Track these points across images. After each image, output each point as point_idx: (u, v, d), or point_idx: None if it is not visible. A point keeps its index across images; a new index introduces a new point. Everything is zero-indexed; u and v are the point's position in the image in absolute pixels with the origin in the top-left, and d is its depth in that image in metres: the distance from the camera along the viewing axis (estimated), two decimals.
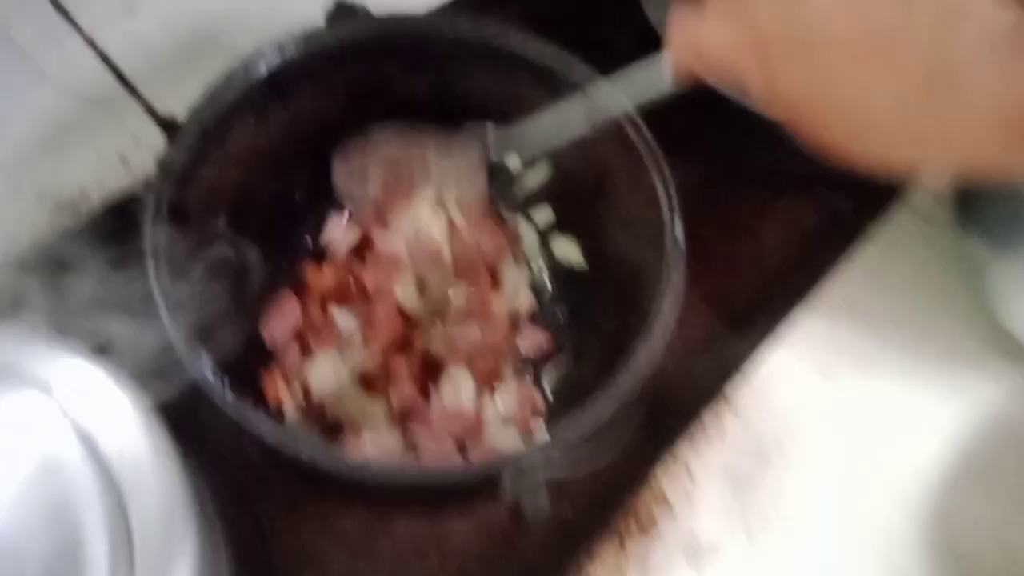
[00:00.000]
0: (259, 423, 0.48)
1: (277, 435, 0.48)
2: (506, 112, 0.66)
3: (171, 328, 0.50)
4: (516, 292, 0.69)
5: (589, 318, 0.66)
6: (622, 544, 0.60)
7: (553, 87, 0.61)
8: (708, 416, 0.66)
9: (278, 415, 0.63)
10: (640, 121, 0.59)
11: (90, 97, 0.68)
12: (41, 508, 0.40)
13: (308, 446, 0.48)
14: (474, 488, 0.52)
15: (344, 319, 0.67)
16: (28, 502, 0.40)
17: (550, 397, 0.66)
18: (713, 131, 0.79)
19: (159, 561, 0.41)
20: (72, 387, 0.44)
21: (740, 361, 0.69)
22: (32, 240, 0.62)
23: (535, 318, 0.69)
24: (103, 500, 0.41)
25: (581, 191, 0.67)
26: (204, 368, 0.49)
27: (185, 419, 0.53)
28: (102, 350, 0.47)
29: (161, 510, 0.42)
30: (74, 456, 0.42)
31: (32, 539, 0.39)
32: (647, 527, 0.61)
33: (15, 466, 0.41)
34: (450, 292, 0.68)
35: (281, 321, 0.65)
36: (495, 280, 0.70)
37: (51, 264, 0.62)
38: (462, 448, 0.63)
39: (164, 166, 0.55)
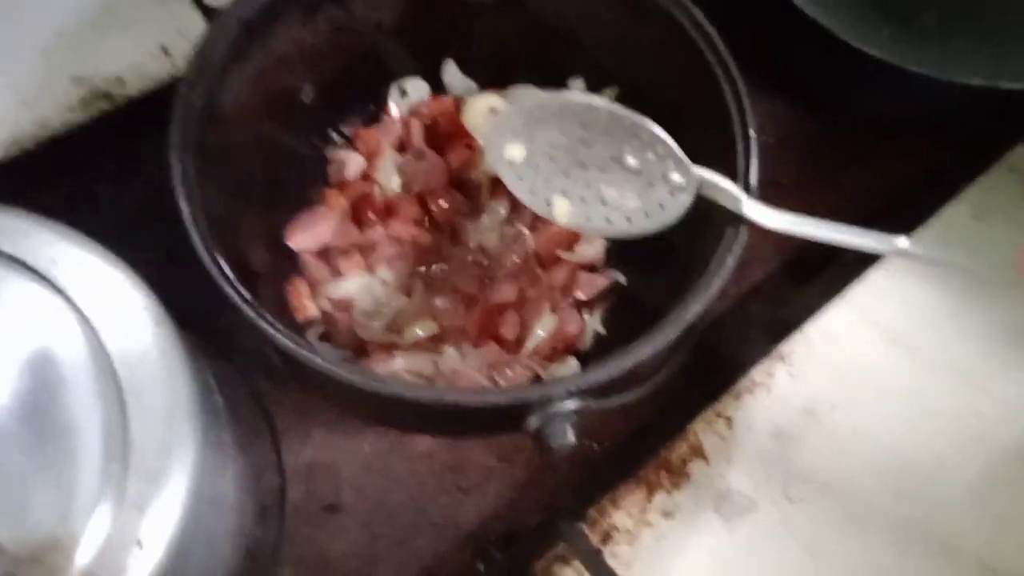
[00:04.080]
0: (270, 330, 0.45)
1: (292, 346, 0.45)
2: (577, 31, 0.62)
3: (191, 227, 0.47)
4: (592, 240, 0.66)
5: (649, 259, 0.62)
6: (650, 494, 0.57)
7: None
8: (758, 371, 0.62)
9: (301, 328, 0.61)
10: (721, 45, 0.54)
11: None
12: (32, 392, 0.38)
13: (319, 359, 0.45)
14: (499, 418, 0.49)
15: (375, 235, 0.64)
16: (19, 385, 0.38)
17: (602, 331, 0.63)
18: (812, 68, 0.74)
19: (157, 457, 0.39)
20: (80, 279, 0.42)
21: (802, 316, 0.64)
22: (63, 124, 0.60)
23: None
24: (101, 394, 0.39)
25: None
26: (222, 270, 0.47)
27: (208, 323, 0.51)
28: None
29: (163, 412, 0.40)
30: (75, 346, 0.40)
31: (19, 424, 0.38)
32: (679, 479, 0.57)
33: (12, 353, 0.39)
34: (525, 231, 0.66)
35: (309, 233, 0.62)
36: None
37: (80, 147, 0.60)
38: (492, 378, 0.61)
39: (199, 56, 0.52)
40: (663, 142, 0.52)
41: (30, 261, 0.41)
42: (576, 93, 0.51)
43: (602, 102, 0.53)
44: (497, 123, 0.55)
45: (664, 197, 0.53)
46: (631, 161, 0.53)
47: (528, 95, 0.52)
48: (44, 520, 0.36)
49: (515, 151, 0.56)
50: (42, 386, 0.39)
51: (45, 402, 0.39)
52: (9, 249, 0.41)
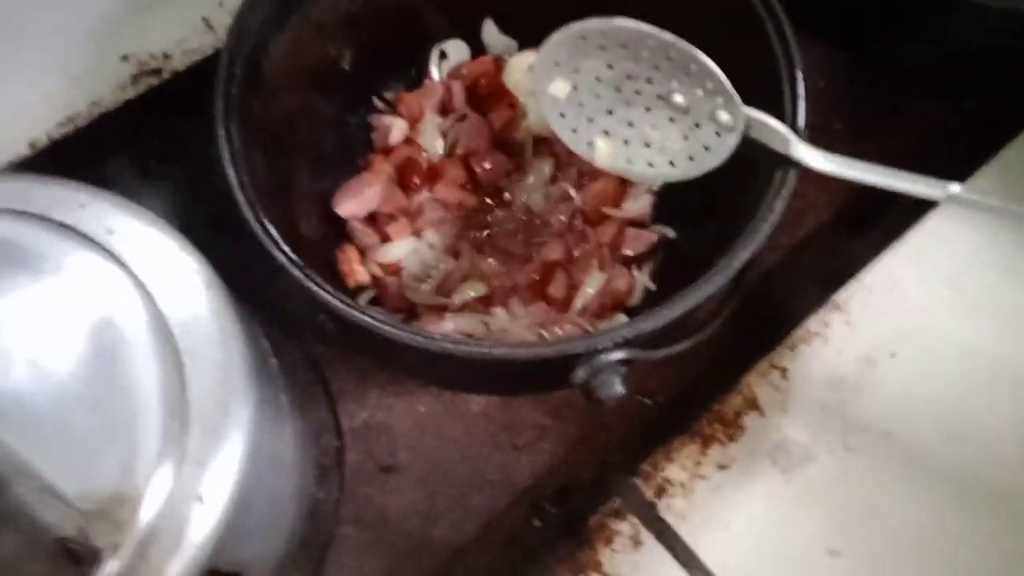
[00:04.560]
0: (320, 292, 0.45)
1: (340, 305, 0.46)
2: None
3: (239, 194, 0.48)
4: (639, 196, 0.66)
5: (697, 212, 0.61)
6: (704, 447, 0.56)
7: None
8: (814, 321, 0.61)
9: (353, 293, 0.62)
10: None
11: None
12: (94, 356, 0.40)
13: (368, 317, 0.45)
14: (548, 372, 0.49)
15: (421, 199, 0.64)
16: (82, 350, 0.40)
17: (652, 286, 0.63)
18: (862, 16, 0.71)
19: (215, 415, 0.40)
20: (135, 245, 0.43)
21: (857, 265, 0.63)
22: (115, 99, 0.61)
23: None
24: (157, 351, 0.41)
25: None
26: (271, 235, 0.47)
27: (263, 288, 0.52)
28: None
29: (218, 371, 0.41)
30: (133, 310, 0.42)
31: (84, 386, 0.39)
32: (734, 432, 0.57)
33: (75, 319, 0.41)
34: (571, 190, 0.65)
35: (356, 199, 0.63)
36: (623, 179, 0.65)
37: (131, 123, 0.62)
38: (543, 337, 0.61)
39: (237, 25, 0.52)
40: (714, 75, 0.50)
41: (88, 231, 0.43)
42: (627, 20, 0.49)
43: (653, 29, 0.50)
44: (543, 53, 0.53)
45: (710, 138, 0.52)
46: (678, 99, 0.52)
47: (576, 23, 0.51)
48: (110, 477, 0.38)
49: (560, 87, 0.54)
50: (103, 350, 0.40)
51: (107, 365, 0.40)
52: (68, 220, 0.43)
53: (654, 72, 0.52)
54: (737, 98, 0.50)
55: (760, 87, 0.51)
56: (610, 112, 0.54)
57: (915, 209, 0.64)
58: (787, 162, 0.49)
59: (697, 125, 0.52)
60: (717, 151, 0.52)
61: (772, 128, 0.49)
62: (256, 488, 0.42)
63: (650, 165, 0.54)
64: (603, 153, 0.55)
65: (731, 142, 0.51)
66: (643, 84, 0.52)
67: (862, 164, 0.49)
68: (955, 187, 0.48)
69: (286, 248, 0.47)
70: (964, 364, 0.59)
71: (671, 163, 0.54)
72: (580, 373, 0.45)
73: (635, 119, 0.54)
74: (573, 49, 0.52)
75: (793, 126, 0.50)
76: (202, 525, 0.38)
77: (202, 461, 0.39)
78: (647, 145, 0.54)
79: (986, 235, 0.63)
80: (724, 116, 0.51)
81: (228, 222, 0.47)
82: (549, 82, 0.54)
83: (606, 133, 0.55)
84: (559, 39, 0.52)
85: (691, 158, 0.53)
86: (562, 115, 0.55)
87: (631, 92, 0.53)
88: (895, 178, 0.49)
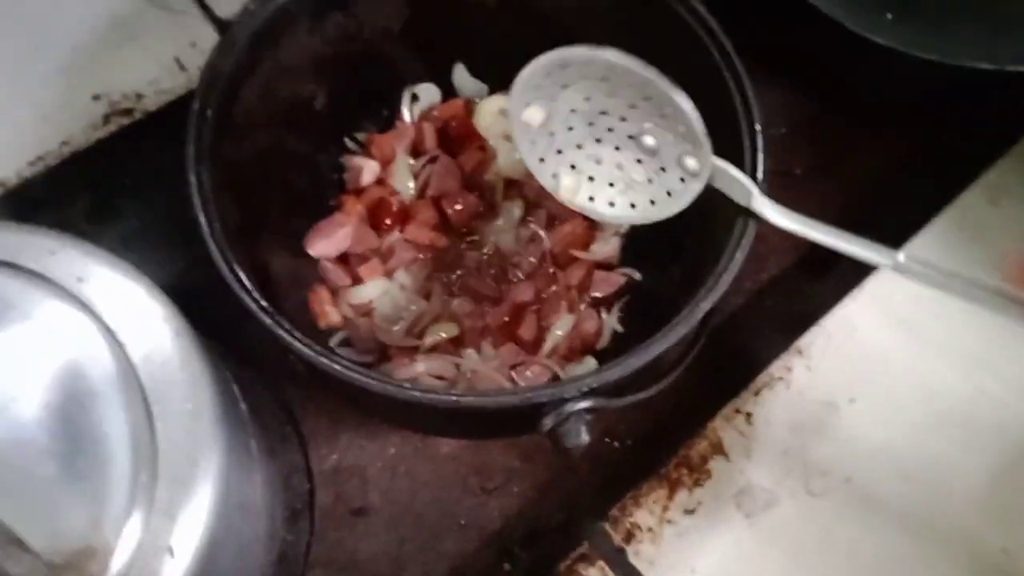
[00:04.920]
0: (288, 337, 0.46)
1: (309, 352, 0.46)
2: (578, 28, 0.62)
3: (209, 241, 0.48)
4: (607, 239, 0.67)
5: (663, 256, 0.62)
6: (671, 491, 0.57)
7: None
8: (776, 366, 0.62)
9: (324, 334, 0.62)
10: (724, 38, 0.54)
11: None
12: (63, 406, 0.40)
13: (337, 365, 0.45)
14: (515, 419, 0.50)
15: (392, 240, 0.65)
16: (50, 400, 0.40)
17: (620, 329, 0.64)
18: (819, 56, 0.73)
19: (184, 465, 0.40)
20: (104, 293, 0.43)
21: (818, 310, 0.64)
22: (86, 139, 0.61)
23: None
24: (126, 401, 0.41)
25: None
26: (241, 280, 0.47)
27: (234, 327, 0.52)
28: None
29: (187, 420, 0.41)
30: (101, 359, 0.41)
31: (52, 437, 0.39)
32: (700, 476, 0.58)
33: (39, 363, 0.40)
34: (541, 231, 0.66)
35: (328, 240, 0.63)
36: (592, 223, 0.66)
37: (102, 162, 0.62)
38: (512, 378, 0.61)
39: (210, 68, 0.53)
40: (687, 119, 0.49)
41: (57, 278, 0.42)
42: (615, 51, 0.48)
43: (638, 64, 0.49)
44: (524, 75, 0.52)
45: (675, 183, 0.53)
46: (648, 140, 0.52)
47: (563, 49, 0.51)
48: (79, 529, 0.37)
49: (534, 113, 0.54)
50: (71, 399, 0.40)
51: (75, 414, 0.40)
52: (37, 267, 0.43)
53: (629, 111, 0.52)
54: (707, 145, 0.50)
55: (722, 139, 0.52)
56: (579, 147, 0.55)
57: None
58: (748, 213, 0.50)
59: (663, 169, 0.53)
60: (679, 198, 0.53)
61: (736, 180, 0.51)
62: (225, 536, 0.42)
63: (611, 204, 0.55)
64: (567, 187, 0.56)
65: (694, 189, 0.52)
66: (616, 121, 0.53)
67: (817, 224, 0.50)
68: (900, 256, 0.49)
69: (256, 296, 0.47)
70: (921, 407, 0.61)
71: (632, 206, 0.55)
72: (547, 421, 0.46)
73: (603, 157, 0.54)
74: (554, 76, 0.52)
75: (753, 177, 0.51)
76: None
77: (171, 513, 0.39)
78: (611, 184, 0.55)
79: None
80: (691, 163, 0.52)
81: (200, 260, 0.48)
82: (524, 107, 0.54)
83: (572, 167, 0.55)
84: (543, 63, 0.51)
85: (653, 202, 0.54)
86: (532, 142, 0.55)
87: (603, 128, 0.54)
88: (845, 241, 0.50)
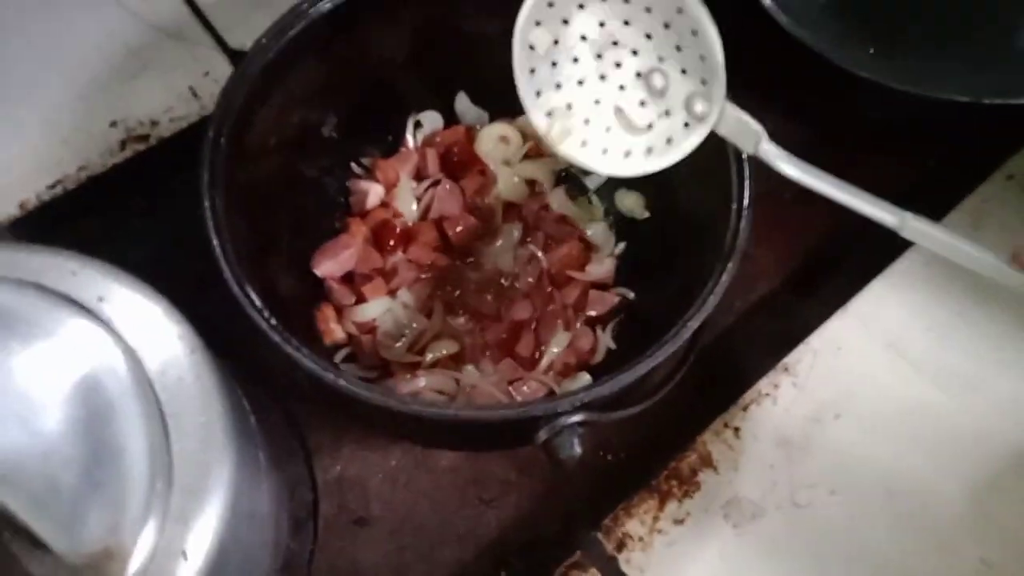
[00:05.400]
0: (296, 354, 0.48)
1: (315, 368, 0.48)
2: None
3: (222, 263, 0.51)
4: (602, 260, 0.69)
5: (655, 276, 0.65)
6: (662, 502, 0.59)
7: None
8: (764, 383, 0.64)
9: (329, 351, 0.64)
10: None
11: (164, 28, 0.69)
12: (84, 418, 0.42)
13: (342, 380, 0.48)
14: (511, 432, 0.52)
15: (395, 260, 0.67)
16: (72, 412, 0.42)
17: (613, 346, 0.66)
18: (803, 84, 0.76)
19: (197, 475, 0.43)
20: (124, 311, 0.46)
21: (805, 329, 0.67)
22: (103, 163, 0.64)
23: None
24: (144, 414, 0.43)
25: None
26: (251, 299, 0.50)
27: (243, 344, 0.55)
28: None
29: (201, 432, 0.44)
30: (120, 374, 0.44)
31: (74, 447, 0.41)
32: (689, 488, 0.60)
33: (62, 378, 0.43)
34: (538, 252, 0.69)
35: (333, 260, 0.66)
36: (587, 244, 0.70)
37: (118, 185, 0.64)
38: (510, 393, 0.64)
39: (224, 97, 0.55)
40: (711, 46, 0.46)
41: (79, 298, 0.45)
42: None
43: None
44: None
45: (676, 130, 0.50)
46: (657, 81, 0.49)
47: None
48: (98, 532, 0.40)
49: (542, 36, 0.50)
50: (92, 411, 0.42)
51: (95, 426, 0.42)
52: (60, 287, 0.45)
53: (644, 41, 0.49)
54: (723, 82, 0.47)
55: (709, 167, 0.54)
56: (580, 83, 0.51)
57: (861, 274, 0.69)
58: (736, 235, 0.53)
59: (668, 113, 0.50)
60: (679, 145, 0.50)
61: (744, 123, 0.48)
62: (234, 543, 0.44)
63: (604, 152, 0.52)
64: (558, 128, 0.52)
65: (700, 133, 0.49)
66: (627, 55, 0.50)
67: (827, 177, 0.49)
68: (909, 216, 0.48)
69: (267, 314, 0.50)
70: (904, 423, 0.63)
71: (626, 154, 0.51)
72: (541, 434, 0.48)
73: (604, 96, 0.51)
74: None
75: (739, 204, 0.53)
76: None
77: (185, 519, 0.41)
78: (607, 129, 0.52)
79: (926, 298, 0.68)
80: (700, 106, 0.48)
81: (210, 280, 0.50)
82: (533, 27, 0.50)
83: (569, 106, 0.52)
84: None
85: (649, 150, 0.51)
86: (532, 71, 0.51)
87: (611, 63, 0.51)
88: (855, 197, 0.49)
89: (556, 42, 0.50)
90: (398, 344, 0.65)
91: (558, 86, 0.52)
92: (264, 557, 0.53)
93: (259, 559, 0.52)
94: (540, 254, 0.69)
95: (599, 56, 0.51)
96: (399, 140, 0.72)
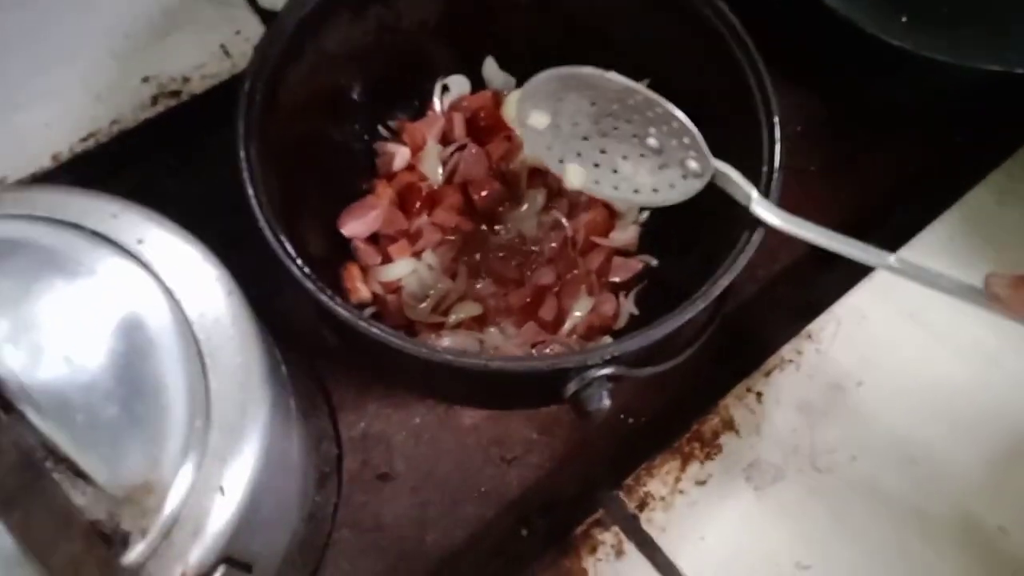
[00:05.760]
0: (329, 302, 0.49)
1: (349, 316, 0.49)
2: (605, 27, 0.65)
3: (258, 212, 0.51)
4: (626, 226, 0.70)
5: (679, 244, 0.65)
6: (684, 464, 0.60)
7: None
8: (787, 349, 0.65)
9: (356, 309, 0.65)
10: (747, 37, 0.57)
11: None
12: (125, 355, 0.43)
13: (375, 328, 0.48)
14: (540, 386, 0.52)
15: (420, 222, 0.68)
16: (113, 348, 0.43)
17: (636, 312, 0.66)
18: (834, 58, 0.76)
19: (234, 414, 0.43)
20: (162, 254, 0.47)
21: (829, 298, 0.67)
22: (135, 118, 0.65)
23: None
24: (183, 352, 0.44)
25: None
26: (286, 248, 0.50)
27: (268, 302, 0.55)
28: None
29: (238, 373, 0.45)
30: (160, 314, 0.45)
31: (115, 382, 0.42)
32: (711, 450, 0.60)
33: (103, 315, 0.44)
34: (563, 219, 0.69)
35: (360, 221, 0.66)
36: (612, 211, 0.70)
37: (148, 141, 0.65)
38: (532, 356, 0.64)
39: (258, 54, 0.56)
40: (691, 133, 0.53)
41: (119, 239, 0.46)
42: (615, 75, 0.53)
43: (641, 88, 0.53)
44: (527, 89, 0.56)
45: (676, 179, 0.56)
46: (652, 142, 0.55)
47: (572, 69, 0.54)
48: (138, 467, 0.41)
49: (539, 118, 0.58)
50: (132, 348, 0.43)
51: (135, 362, 0.43)
52: (101, 228, 0.46)
53: (634, 116, 0.55)
54: (709, 154, 0.54)
55: (741, 133, 0.55)
56: (585, 138, 0.58)
57: (885, 246, 0.69)
58: (768, 185, 0.53)
59: (666, 166, 0.56)
60: (680, 190, 0.56)
61: (736, 184, 0.53)
62: (267, 485, 0.45)
63: (615, 188, 0.59)
64: (572, 172, 0.59)
65: (695, 186, 0.55)
66: (622, 123, 0.56)
67: (813, 227, 0.53)
68: (892, 258, 0.51)
69: (300, 263, 0.50)
70: (926, 393, 0.63)
71: (635, 191, 0.58)
72: (571, 387, 0.49)
73: (608, 148, 0.57)
74: (562, 83, 0.55)
75: (770, 170, 0.54)
76: (221, 515, 0.41)
77: (222, 456, 0.42)
78: (615, 172, 0.58)
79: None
80: (693, 164, 0.55)
81: (236, 238, 0.50)
82: (529, 113, 0.57)
83: (578, 155, 0.59)
84: (545, 78, 0.55)
85: (655, 190, 0.57)
86: (538, 137, 0.59)
87: (608, 127, 0.57)
88: (841, 243, 0.52)
89: (555, 116, 0.57)
90: (423, 305, 0.66)
91: (565, 143, 0.59)
92: (293, 505, 0.54)
93: (288, 506, 0.53)
94: (564, 220, 0.69)
95: (596, 123, 0.57)
96: (426, 104, 0.72)
